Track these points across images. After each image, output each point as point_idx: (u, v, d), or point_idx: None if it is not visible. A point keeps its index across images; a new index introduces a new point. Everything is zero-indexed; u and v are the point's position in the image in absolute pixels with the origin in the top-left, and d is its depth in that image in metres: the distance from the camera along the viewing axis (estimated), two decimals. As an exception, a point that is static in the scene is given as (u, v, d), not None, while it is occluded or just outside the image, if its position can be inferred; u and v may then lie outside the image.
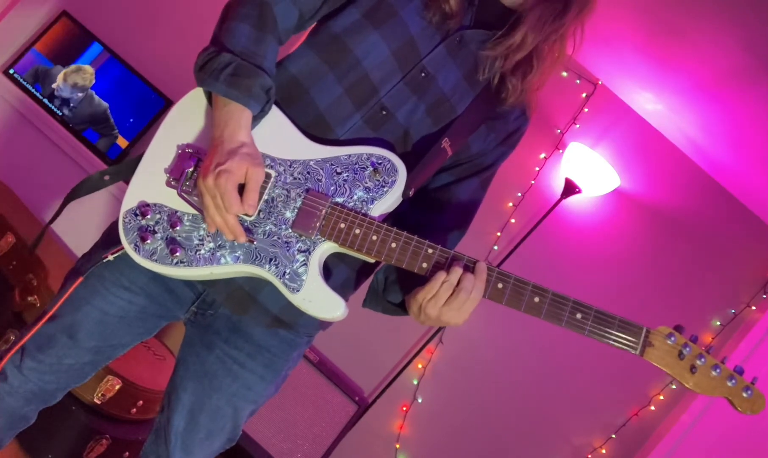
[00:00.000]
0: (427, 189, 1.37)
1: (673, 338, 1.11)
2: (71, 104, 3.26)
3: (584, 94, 3.32)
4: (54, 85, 3.26)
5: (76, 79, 3.28)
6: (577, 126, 3.32)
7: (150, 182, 1.26)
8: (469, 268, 1.15)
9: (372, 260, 1.22)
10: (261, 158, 1.20)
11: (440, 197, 1.37)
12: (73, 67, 3.29)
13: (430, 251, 1.17)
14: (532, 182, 3.30)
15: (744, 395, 1.08)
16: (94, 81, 3.30)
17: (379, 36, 1.26)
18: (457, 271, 1.14)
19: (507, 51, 1.27)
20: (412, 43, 1.27)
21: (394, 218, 1.27)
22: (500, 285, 1.15)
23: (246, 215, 1.18)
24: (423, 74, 1.27)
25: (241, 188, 1.16)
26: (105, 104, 3.29)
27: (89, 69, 3.30)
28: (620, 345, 1.12)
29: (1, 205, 2.82)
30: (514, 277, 1.15)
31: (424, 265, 1.16)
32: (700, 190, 3.24)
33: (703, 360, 1.10)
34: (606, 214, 3.28)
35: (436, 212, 1.36)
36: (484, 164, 1.39)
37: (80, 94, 3.26)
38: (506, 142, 1.39)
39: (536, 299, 1.14)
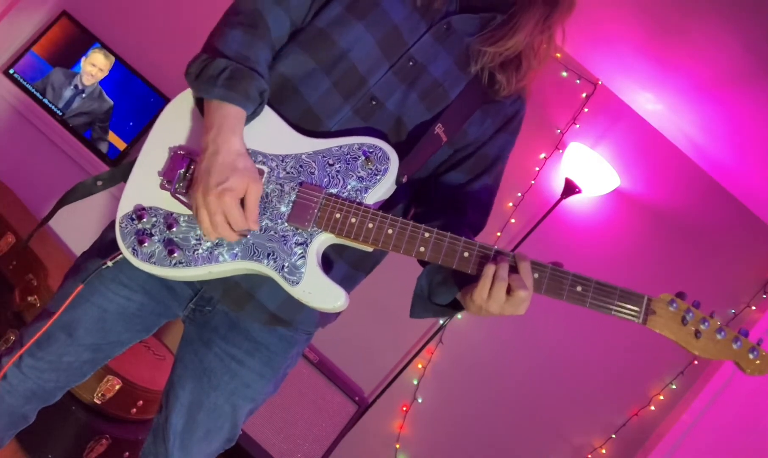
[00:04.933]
0: (445, 191, 1.38)
1: (675, 305, 1.09)
2: (80, 92, 3.26)
3: (584, 94, 3.32)
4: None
5: (95, 59, 3.29)
6: (577, 126, 3.31)
7: (144, 186, 1.26)
8: (506, 260, 1.14)
9: (370, 249, 1.22)
10: (257, 171, 1.20)
11: (459, 198, 1.37)
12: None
13: (426, 235, 1.17)
14: (532, 182, 3.30)
15: (750, 356, 1.07)
16: (105, 75, 3.31)
17: (363, 27, 1.27)
18: (505, 266, 1.12)
19: (496, 49, 1.28)
20: (397, 32, 1.28)
21: (420, 220, 1.27)
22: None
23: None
24: (411, 63, 1.28)
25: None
26: (110, 102, 3.29)
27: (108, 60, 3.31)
28: (622, 315, 1.11)
29: (1, 205, 2.83)
30: (505, 252, 1.16)
31: (422, 249, 1.16)
32: (700, 190, 3.24)
33: (706, 324, 1.08)
34: (606, 214, 3.28)
35: (458, 213, 1.36)
36: (489, 157, 1.39)
37: (89, 87, 3.27)
38: (506, 128, 1.39)
39: (536, 276, 1.14)
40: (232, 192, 1.14)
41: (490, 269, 1.12)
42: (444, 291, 1.28)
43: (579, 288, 1.12)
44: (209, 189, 1.14)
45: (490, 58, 1.29)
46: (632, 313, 1.11)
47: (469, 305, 1.19)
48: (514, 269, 1.13)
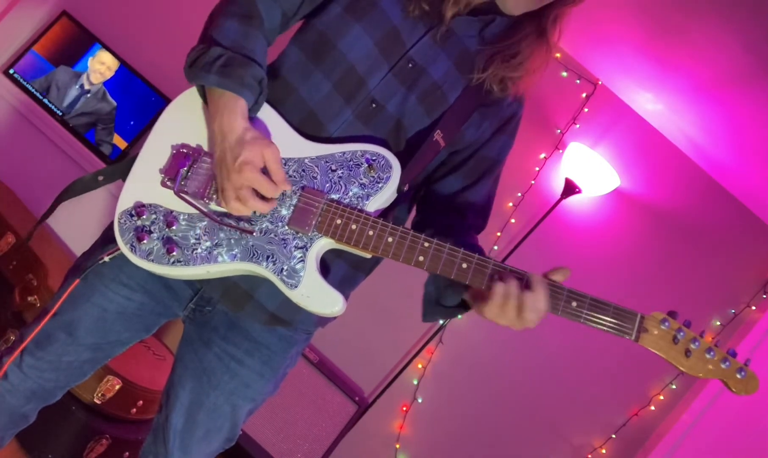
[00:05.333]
0: (446, 196, 1.38)
1: (667, 324, 1.12)
2: (86, 92, 3.26)
3: (584, 94, 3.32)
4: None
5: (104, 58, 3.28)
6: (577, 126, 3.32)
7: (145, 183, 1.26)
8: (521, 279, 1.14)
9: (368, 256, 1.22)
10: (265, 137, 1.20)
11: (459, 202, 1.38)
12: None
13: (426, 245, 1.17)
14: (532, 182, 3.30)
15: (738, 376, 1.11)
16: (112, 74, 3.31)
17: (361, 28, 1.27)
18: (515, 283, 1.12)
19: (503, 72, 1.29)
20: (396, 34, 1.28)
21: (421, 225, 1.27)
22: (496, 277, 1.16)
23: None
24: (410, 65, 1.28)
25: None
26: (114, 103, 3.29)
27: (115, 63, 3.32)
28: (615, 332, 1.13)
29: (1, 205, 2.83)
30: (510, 268, 1.16)
31: (420, 258, 1.17)
32: (700, 190, 3.24)
33: (697, 343, 1.11)
34: (606, 214, 3.28)
35: (459, 217, 1.38)
36: (488, 160, 1.39)
37: (94, 86, 3.27)
38: (504, 129, 1.39)
39: None
40: (250, 164, 1.14)
41: (500, 288, 1.13)
42: (451, 293, 1.29)
43: (574, 304, 1.13)
44: (229, 169, 1.15)
45: (492, 73, 1.29)
46: (625, 330, 1.12)
47: (480, 314, 1.19)
48: (526, 286, 1.13)
